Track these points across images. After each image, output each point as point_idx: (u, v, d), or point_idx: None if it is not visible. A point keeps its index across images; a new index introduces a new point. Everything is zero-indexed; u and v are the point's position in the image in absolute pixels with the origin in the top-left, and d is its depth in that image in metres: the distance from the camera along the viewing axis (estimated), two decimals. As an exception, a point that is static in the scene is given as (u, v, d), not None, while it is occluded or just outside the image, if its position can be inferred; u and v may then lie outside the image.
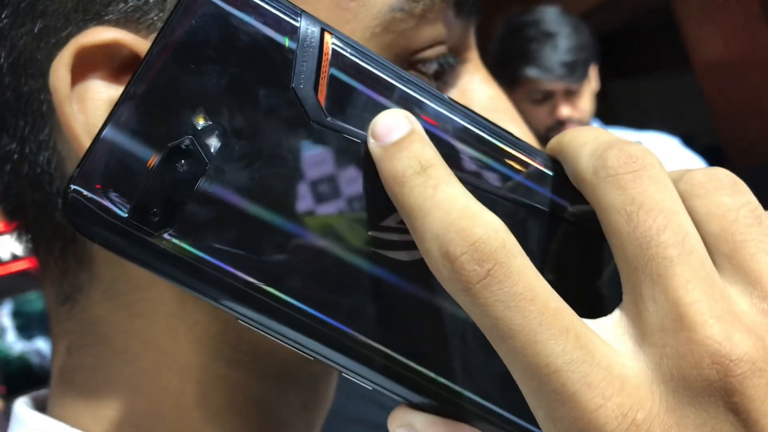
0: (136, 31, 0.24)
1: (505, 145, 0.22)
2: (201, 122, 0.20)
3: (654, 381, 0.17)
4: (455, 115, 0.21)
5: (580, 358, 0.17)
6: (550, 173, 0.22)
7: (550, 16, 1.33)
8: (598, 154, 0.19)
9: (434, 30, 0.26)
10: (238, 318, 0.21)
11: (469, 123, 0.21)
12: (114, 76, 0.24)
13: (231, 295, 0.20)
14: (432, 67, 0.27)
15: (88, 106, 0.24)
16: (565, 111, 1.30)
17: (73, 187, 0.20)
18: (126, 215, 0.20)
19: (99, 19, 0.24)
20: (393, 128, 0.20)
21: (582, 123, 1.33)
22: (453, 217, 0.18)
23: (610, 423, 0.16)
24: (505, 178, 0.21)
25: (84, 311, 0.28)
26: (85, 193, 0.20)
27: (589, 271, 0.22)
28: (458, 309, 0.20)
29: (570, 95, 1.31)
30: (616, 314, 0.19)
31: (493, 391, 0.21)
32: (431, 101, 0.21)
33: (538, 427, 0.19)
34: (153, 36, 0.24)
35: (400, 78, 0.21)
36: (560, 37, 1.30)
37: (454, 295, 0.18)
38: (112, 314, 0.27)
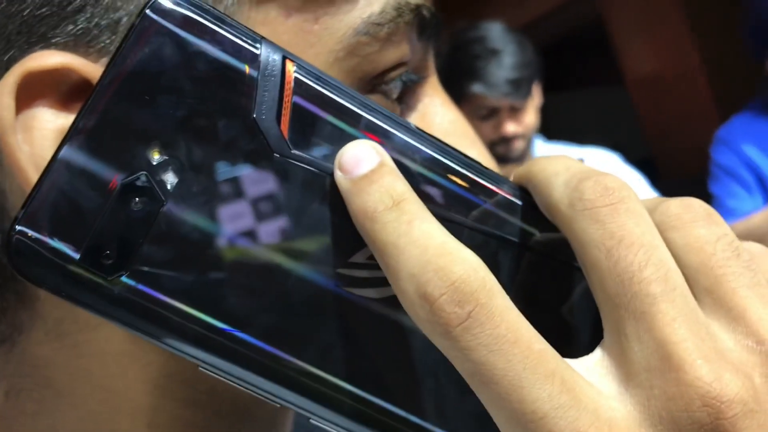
0: (85, 55, 0.22)
1: (474, 174, 0.21)
2: (156, 157, 0.19)
3: (642, 424, 0.17)
4: (422, 145, 0.21)
5: (567, 403, 0.16)
6: (519, 202, 0.21)
7: (495, 33, 1.34)
8: (572, 186, 0.19)
9: (398, 52, 0.26)
10: (200, 366, 0.19)
11: (436, 152, 0.21)
12: (62, 103, 0.22)
13: (193, 342, 0.19)
14: (395, 91, 0.26)
15: (35, 136, 0.22)
16: (510, 127, 1.31)
17: (17, 227, 0.18)
18: (76, 258, 0.18)
19: (45, 42, 0.22)
20: (361, 160, 0.19)
21: (526, 138, 1.35)
22: (430, 255, 0.17)
23: None
24: (474, 209, 0.21)
25: (24, 353, 0.26)
26: (31, 234, 0.18)
27: (561, 303, 0.22)
28: (431, 348, 0.19)
29: (515, 111, 1.33)
30: (598, 353, 0.18)
31: (469, 429, 0.20)
32: (398, 130, 0.21)
33: None
34: (105, 60, 0.22)
35: (365, 107, 0.20)
36: (505, 54, 1.31)
37: (432, 338, 0.17)
38: (57, 355, 0.26)
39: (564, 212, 0.19)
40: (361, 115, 0.20)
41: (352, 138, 0.20)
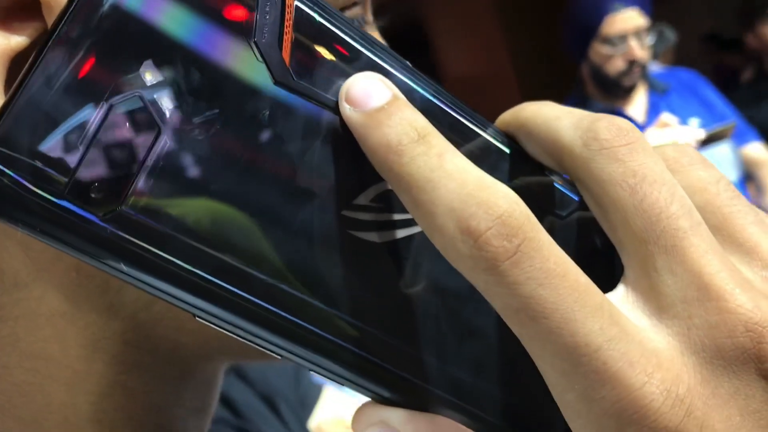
0: None
1: (467, 120, 0.20)
2: (149, 77, 0.16)
3: (684, 352, 0.17)
4: (420, 86, 0.19)
5: (617, 335, 0.16)
6: (507, 150, 0.21)
7: None
8: (584, 127, 0.18)
9: None
10: (195, 315, 0.17)
11: (432, 94, 0.20)
12: (2, 21, 0.19)
13: (188, 289, 0.17)
14: None
15: None
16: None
17: None
18: (60, 192, 0.16)
19: None
20: (371, 94, 0.18)
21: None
22: (470, 188, 0.16)
23: (657, 400, 0.16)
24: (468, 155, 0.20)
25: None
26: (4, 164, 0.15)
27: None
28: (433, 295, 0.18)
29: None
30: (621, 289, 0.18)
31: (469, 379, 0.20)
32: (397, 68, 0.19)
33: (519, 415, 0.19)
34: None
35: (365, 40, 0.19)
36: None
37: (472, 274, 0.16)
38: None
39: (578, 153, 0.18)
40: (361, 49, 0.19)
41: (355, 72, 0.19)
